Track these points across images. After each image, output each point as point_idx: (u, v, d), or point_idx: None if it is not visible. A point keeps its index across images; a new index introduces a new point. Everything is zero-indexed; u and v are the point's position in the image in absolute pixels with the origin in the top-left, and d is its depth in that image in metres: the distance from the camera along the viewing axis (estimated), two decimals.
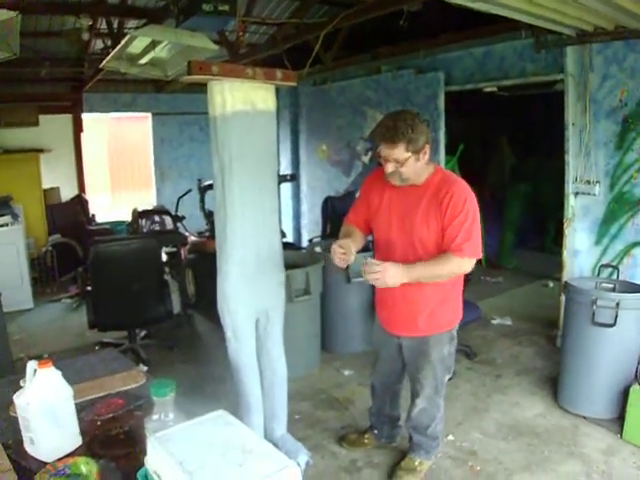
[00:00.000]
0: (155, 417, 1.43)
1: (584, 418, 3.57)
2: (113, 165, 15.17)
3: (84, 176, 9.06)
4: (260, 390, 3.05)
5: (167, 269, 6.06)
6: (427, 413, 2.89)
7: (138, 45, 4.69)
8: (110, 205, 13.86)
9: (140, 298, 4.44)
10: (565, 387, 3.69)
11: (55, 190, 8.51)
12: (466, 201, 2.48)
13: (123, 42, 4.31)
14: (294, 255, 4.72)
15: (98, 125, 14.13)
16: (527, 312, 5.57)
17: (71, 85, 8.52)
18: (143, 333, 5.10)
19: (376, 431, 3.28)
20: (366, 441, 3.31)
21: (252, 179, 2.68)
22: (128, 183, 14.78)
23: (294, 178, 6.09)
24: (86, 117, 8.93)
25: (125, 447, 1.69)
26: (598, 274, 4.26)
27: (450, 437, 3.40)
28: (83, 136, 8.95)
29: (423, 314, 2.67)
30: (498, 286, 6.54)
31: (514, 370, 4.33)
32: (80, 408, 1.84)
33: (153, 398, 1.43)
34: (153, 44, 4.50)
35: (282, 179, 5.94)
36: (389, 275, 2.36)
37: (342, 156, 7.30)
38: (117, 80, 8.32)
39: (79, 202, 8.38)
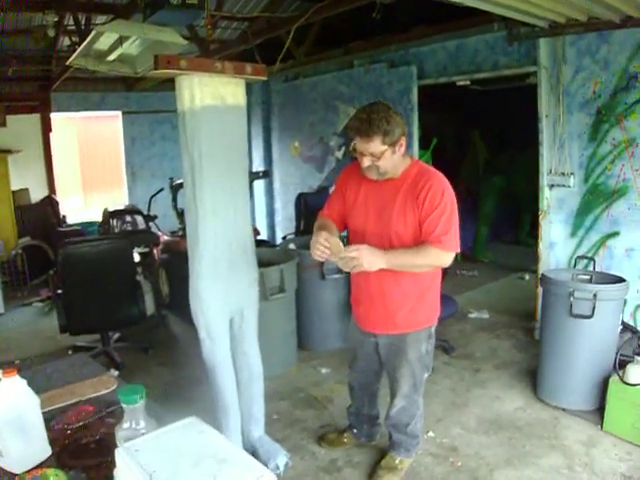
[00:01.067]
0: (126, 425, 1.36)
1: (563, 410, 3.56)
2: (85, 166, 14.89)
3: (54, 177, 8.89)
4: (236, 391, 2.99)
5: (140, 270, 5.95)
6: (406, 412, 2.85)
7: (105, 41, 4.57)
8: (82, 206, 13.62)
9: (112, 300, 4.34)
10: (544, 379, 3.68)
11: (24, 191, 8.31)
12: (444, 193, 2.44)
13: (89, 38, 4.19)
14: (268, 252, 4.66)
15: (69, 125, 13.89)
16: (504, 305, 5.58)
17: (39, 84, 8.33)
18: (117, 336, 4.99)
19: (355, 430, 3.23)
20: (345, 440, 3.26)
21: (223, 176, 2.61)
22: (100, 184, 14.50)
23: (267, 175, 6.01)
24: (56, 117, 8.74)
25: (96, 457, 1.61)
26: (574, 266, 4.27)
27: (430, 434, 3.36)
28: (52, 136, 8.77)
29: (401, 311, 2.62)
30: (474, 280, 6.53)
31: (493, 364, 4.32)
32: (50, 417, 1.77)
33: (123, 406, 1.36)
34: (120, 40, 4.39)
35: (254, 176, 5.88)
36: (366, 258, 2.29)
37: (315, 152, 7.24)
38: (86, 79, 8.16)
39: (49, 203, 8.20)
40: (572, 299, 3.31)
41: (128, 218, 6.30)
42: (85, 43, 4.33)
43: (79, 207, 13.11)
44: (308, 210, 6.00)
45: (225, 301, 2.75)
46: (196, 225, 2.59)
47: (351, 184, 2.66)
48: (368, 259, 2.30)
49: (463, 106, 7.71)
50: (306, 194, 6.50)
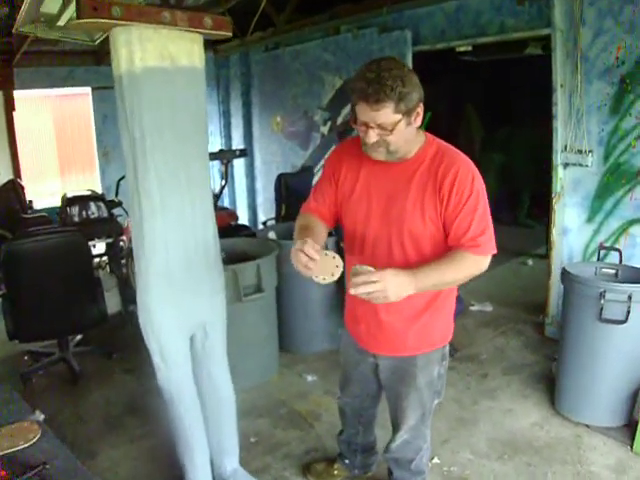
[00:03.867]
0: None
1: (587, 427, 3.07)
2: (61, 146, 14.23)
3: (19, 159, 8.26)
4: (202, 422, 2.46)
5: (105, 263, 5.40)
6: (411, 445, 2.31)
7: (52, 3, 3.93)
8: (60, 189, 13.02)
9: (66, 302, 3.76)
10: (565, 391, 3.18)
11: None
12: (474, 180, 1.87)
13: None
14: (244, 243, 4.08)
15: (43, 104, 13.22)
16: (508, 296, 5.03)
17: (0, 59, 7.65)
18: (78, 338, 4.44)
19: (347, 461, 2.69)
20: (336, 472, 2.74)
21: (174, 159, 2.03)
22: (78, 165, 13.92)
23: (244, 154, 5.42)
24: (28, 95, 8.09)
25: None
26: (595, 256, 3.76)
27: (436, 460, 2.86)
28: (16, 115, 8.13)
29: (412, 328, 2.05)
30: None
31: (501, 367, 3.81)
32: None
33: None
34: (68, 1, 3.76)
35: (231, 155, 5.29)
36: (392, 288, 1.69)
37: (298, 127, 6.65)
38: (51, 52, 7.48)
39: (12, 188, 7.57)
40: (603, 301, 2.79)
41: (92, 205, 5.68)
42: (26, 4, 3.69)
43: (56, 190, 12.53)
44: (289, 193, 5.41)
45: (182, 317, 2.20)
46: (140, 224, 2.02)
47: (346, 167, 2.05)
48: (395, 289, 1.70)
49: (458, 78, 7.18)
50: (287, 175, 5.89)
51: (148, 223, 2.02)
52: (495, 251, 1.92)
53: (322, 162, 5.73)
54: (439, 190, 1.86)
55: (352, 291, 1.69)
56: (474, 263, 1.88)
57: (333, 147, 2.22)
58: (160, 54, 1.94)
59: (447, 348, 2.23)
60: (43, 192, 9.40)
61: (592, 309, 2.86)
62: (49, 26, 4.49)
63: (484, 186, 1.90)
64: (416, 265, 1.90)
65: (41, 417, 1.91)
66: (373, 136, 1.79)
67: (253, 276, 3.50)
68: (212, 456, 2.61)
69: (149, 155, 1.96)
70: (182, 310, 2.19)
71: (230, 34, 2.21)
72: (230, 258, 3.85)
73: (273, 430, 3.24)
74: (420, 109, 1.81)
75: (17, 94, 8.23)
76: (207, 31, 2.09)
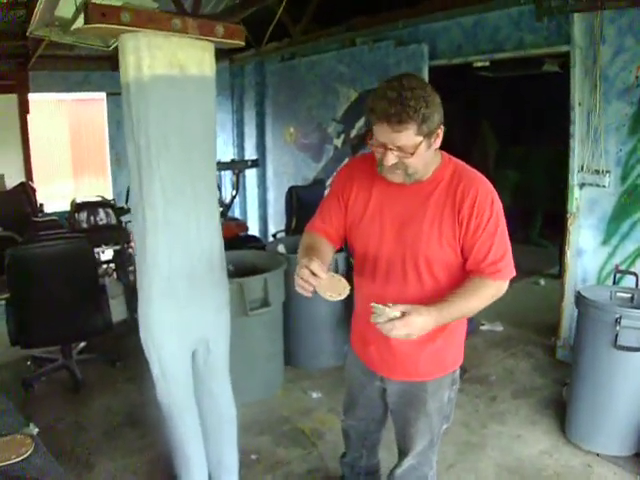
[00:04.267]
0: None
1: (597, 455, 2.97)
2: (75, 150, 14.28)
3: (31, 162, 8.28)
4: (201, 438, 2.39)
5: (112, 270, 5.35)
6: (416, 472, 2.21)
7: (67, 7, 3.91)
8: (72, 192, 13.06)
9: (70, 309, 3.71)
10: (575, 419, 3.08)
11: None
12: (493, 202, 1.79)
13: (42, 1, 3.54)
14: (253, 256, 4.01)
15: (59, 108, 13.30)
16: (519, 316, 4.93)
17: (16, 62, 7.66)
18: (82, 345, 4.39)
19: None
20: None
21: (180, 170, 1.98)
22: (91, 170, 13.97)
23: (256, 164, 5.38)
24: (43, 99, 8.13)
25: None
26: (610, 279, 3.67)
27: None
28: (30, 119, 8.15)
29: (425, 352, 1.96)
30: None
31: (510, 390, 3.71)
32: None
33: None
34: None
35: (243, 165, 5.25)
36: (417, 330, 1.65)
37: (311, 139, 6.58)
38: (67, 56, 7.51)
39: (23, 191, 7.56)
40: (618, 328, 2.70)
41: (101, 211, 5.65)
42: (39, 7, 3.68)
43: (68, 193, 12.57)
44: (300, 206, 5.34)
45: (184, 332, 2.14)
46: (144, 237, 1.97)
47: (357, 187, 1.95)
48: (420, 331, 1.65)
49: (473, 94, 7.11)
50: (298, 187, 5.82)
51: (151, 236, 1.96)
52: (514, 274, 1.85)
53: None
54: (458, 213, 1.78)
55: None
56: (495, 290, 1.81)
57: (345, 161, 2.11)
58: (169, 62, 1.89)
59: (458, 372, 2.14)
60: (55, 195, 9.41)
61: (607, 335, 2.77)
62: (63, 30, 4.49)
63: (501, 206, 1.83)
64: (431, 291, 1.84)
65: (35, 430, 1.84)
66: (392, 158, 1.70)
67: (260, 290, 3.43)
68: (211, 473, 2.55)
69: (154, 165, 1.91)
70: (184, 325, 2.12)
71: (242, 43, 2.16)
72: (238, 271, 3.79)
73: (275, 448, 3.16)
74: (440, 130, 1.73)
75: (33, 97, 8.26)
76: (219, 39, 2.03)
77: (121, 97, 1.94)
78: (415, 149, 1.68)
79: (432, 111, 1.65)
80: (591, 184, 3.80)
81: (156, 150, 1.90)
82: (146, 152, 1.89)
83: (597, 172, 3.74)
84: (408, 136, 1.65)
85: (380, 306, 1.63)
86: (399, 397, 2.12)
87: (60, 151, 13.96)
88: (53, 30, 4.41)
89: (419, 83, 1.67)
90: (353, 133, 5.79)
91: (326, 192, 5.62)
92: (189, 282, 2.09)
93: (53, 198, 9.81)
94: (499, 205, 1.81)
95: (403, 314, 1.64)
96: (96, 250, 4.93)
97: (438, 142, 1.75)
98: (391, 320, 1.62)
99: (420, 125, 1.63)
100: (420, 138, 1.66)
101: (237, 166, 5.35)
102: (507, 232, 1.84)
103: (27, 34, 4.47)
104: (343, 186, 1.98)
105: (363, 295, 2.04)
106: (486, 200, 1.77)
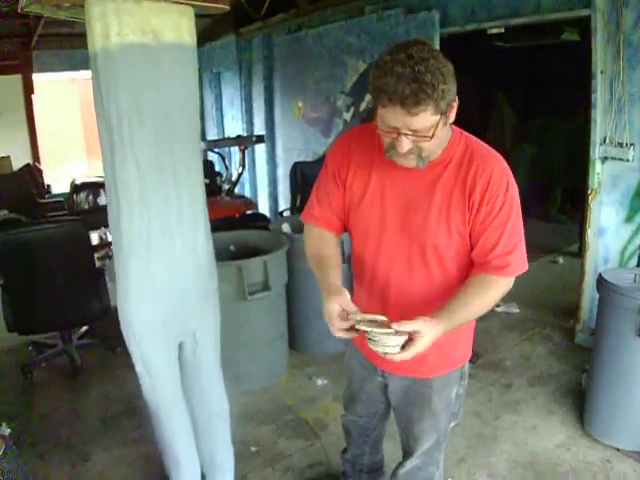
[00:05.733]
0: None
1: (617, 450, 2.79)
2: (88, 129, 14.16)
3: (38, 143, 8.18)
4: (191, 436, 2.24)
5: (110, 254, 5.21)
6: (421, 473, 2.05)
7: None
8: (86, 171, 12.98)
9: (65, 294, 3.58)
10: (595, 410, 2.88)
11: (5, 160, 7.64)
12: (508, 186, 1.57)
13: None
14: (255, 236, 3.82)
15: (70, 87, 13.18)
16: (535, 296, 4.69)
17: (19, 42, 7.51)
18: (83, 330, 4.27)
19: None
20: None
21: (157, 148, 1.78)
22: None
23: (262, 140, 5.17)
24: (55, 78, 8.02)
25: None
26: (633, 259, 3.45)
27: None
28: (40, 99, 8.04)
29: (433, 347, 1.65)
30: None
31: (526, 377, 3.52)
32: None
33: None
34: None
35: (249, 141, 5.05)
36: (424, 348, 1.46)
37: (320, 113, 6.34)
38: (72, 34, 7.30)
39: (29, 172, 7.46)
40: None
41: (102, 192, 5.48)
42: None
43: (82, 172, 12.51)
44: (306, 183, 5.14)
45: (167, 323, 1.96)
46: (118, 220, 1.79)
47: (355, 165, 1.71)
48: (429, 342, 1.46)
49: (489, 65, 6.83)
50: (303, 164, 5.59)
51: (125, 219, 1.78)
52: (526, 268, 1.64)
53: None
54: (469, 197, 1.56)
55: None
56: (502, 287, 1.62)
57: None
58: (141, 29, 1.68)
59: (467, 366, 1.96)
60: (67, 176, 9.34)
61: (630, 323, 2.55)
62: (57, 6, 4.30)
63: (517, 190, 1.60)
64: (440, 283, 1.66)
65: (7, 431, 1.71)
66: (407, 144, 1.46)
67: (260, 273, 3.26)
68: (204, 472, 2.40)
69: (127, 142, 1.72)
70: (166, 316, 1.95)
71: (227, 7, 1.95)
72: (240, 252, 3.63)
73: (276, 439, 3.02)
74: (455, 102, 1.48)
75: (41, 77, 8.14)
76: (199, 3, 1.82)
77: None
78: (434, 130, 1.44)
79: (449, 84, 1.40)
80: (614, 158, 3.54)
81: (128, 126, 1.71)
82: (117, 126, 1.70)
83: (620, 145, 3.49)
84: (425, 117, 1.40)
85: (378, 331, 1.42)
86: (402, 394, 1.94)
87: (72, 131, 13.89)
88: (46, 5, 4.22)
89: (430, 51, 1.41)
90: (362, 106, 5.55)
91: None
92: (169, 269, 1.91)
93: (65, 179, 9.80)
94: (514, 189, 1.59)
95: (410, 336, 1.44)
96: (97, 232, 4.79)
97: (452, 115, 1.50)
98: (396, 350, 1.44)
99: (439, 103, 1.39)
100: (438, 117, 1.42)
101: (243, 142, 5.16)
102: (521, 220, 1.62)
103: (18, 11, 4.28)
104: (340, 165, 1.75)
105: (363, 286, 1.85)
106: (500, 184, 1.56)
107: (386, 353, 1.44)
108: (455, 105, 1.48)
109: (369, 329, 1.42)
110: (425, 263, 1.66)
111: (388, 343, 1.42)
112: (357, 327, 1.46)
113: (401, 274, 1.69)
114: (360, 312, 1.51)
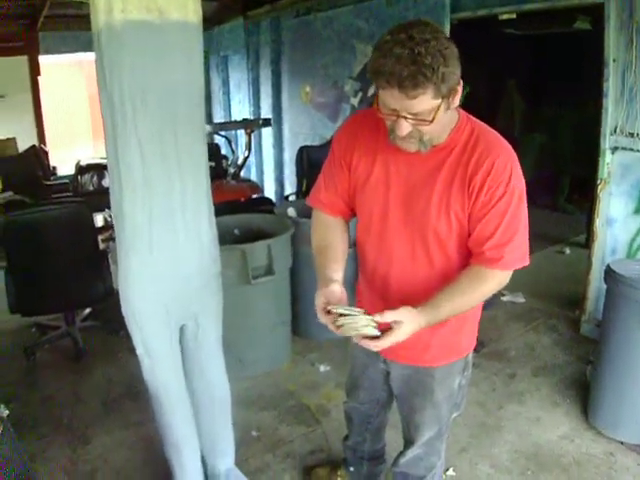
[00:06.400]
0: None
1: (621, 443, 2.77)
2: (95, 112, 14.11)
3: (44, 125, 8.15)
4: (192, 420, 2.23)
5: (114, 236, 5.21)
6: (423, 462, 2.04)
7: None
8: (92, 154, 12.98)
9: (67, 276, 3.58)
10: (599, 403, 2.86)
11: (11, 141, 7.61)
12: (512, 175, 1.51)
13: None
14: (261, 220, 3.79)
15: (76, 70, 13.12)
16: (542, 287, 4.66)
17: (24, 23, 7.45)
18: (87, 312, 4.27)
19: (352, 468, 2.42)
20: (339, 479, 2.50)
21: (160, 129, 1.75)
22: None
23: (268, 123, 5.13)
24: (62, 60, 7.98)
25: None
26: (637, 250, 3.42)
27: (451, 472, 2.60)
28: (46, 81, 8.00)
29: (437, 334, 1.72)
30: None
31: (531, 367, 3.50)
32: None
33: None
34: None
35: (255, 124, 5.01)
36: (403, 337, 1.47)
37: (328, 98, 6.29)
38: (79, 15, 7.22)
39: (34, 154, 7.44)
40: None
41: (107, 173, 5.46)
42: None
43: (88, 155, 12.50)
44: (311, 167, 5.10)
45: (168, 306, 1.94)
46: (120, 203, 1.76)
47: (359, 148, 1.68)
48: (407, 331, 1.47)
49: (499, 53, 6.75)
50: (310, 148, 5.54)
51: (128, 202, 1.76)
52: (526, 263, 1.59)
53: None
54: (469, 182, 1.52)
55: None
56: (497, 281, 1.58)
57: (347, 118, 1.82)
58: (146, 6, 1.64)
59: (471, 355, 1.94)
60: (73, 158, 9.35)
61: (638, 314, 2.53)
62: None
63: (523, 181, 1.56)
64: (441, 270, 1.63)
65: (5, 413, 1.69)
66: (406, 127, 1.43)
67: (264, 257, 3.23)
68: (205, 456, 2.40)
69: (130, 123, 1.69)
70: (168, 299, 1.93)
71: None
72: (244, 236, 3.61)
73: (277, 425, 3.01)
74: (460, 86, 1.43)
75: (47, 59, 8.09)
76: None
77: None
78: (434, 114, 1.39)
79: (451, 67, 1.34)
80: (625, 148, 3.50)
81: (131, 106, 1.68)
82: (120, 106, 1.67)
83: (632, 135, 3.43)
84: (425, 101, 1.36)
85: (342, 310, 1.45)
86: (403, 382, 1.92)
87: (78, 113, 13.85)
88: None
89: (432, 32, 1.34)
90: (370, 91, 5.49)
91: None
92: (172, 252, 1.89)
93: (71, 161, 9.81)
94: (519, 180, 1.54)
95: (390, 326, 1.46)
96: (101, 214, 4.77)
97: (457, 100, 1.46)
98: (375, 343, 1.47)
99: (439, 87, 1.34)
100: (438, 101, 1.38)
101: (249, 125, 5.12)
102: (526, 214, 1.57)
103: None
104: (345, 148, 1.72)
105: (366, 272, 1.83)
106: (503, 172, 1.50)
107: (359, 335, 1.45)
108: (459, 89, 1.43)
109: (335, 309, 1.45)
110: (427, 249, 1.63)
111: (358, 323, 1.42)
112: (329, 309, 1.48)
113: (403, 260, 1.67)
114: (341, 305, 1.51)
